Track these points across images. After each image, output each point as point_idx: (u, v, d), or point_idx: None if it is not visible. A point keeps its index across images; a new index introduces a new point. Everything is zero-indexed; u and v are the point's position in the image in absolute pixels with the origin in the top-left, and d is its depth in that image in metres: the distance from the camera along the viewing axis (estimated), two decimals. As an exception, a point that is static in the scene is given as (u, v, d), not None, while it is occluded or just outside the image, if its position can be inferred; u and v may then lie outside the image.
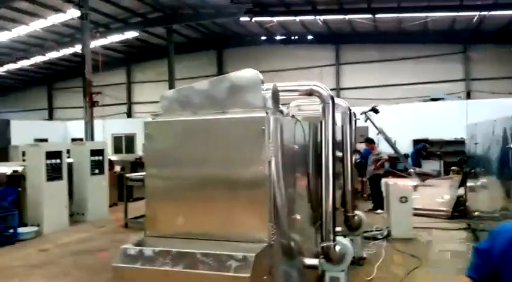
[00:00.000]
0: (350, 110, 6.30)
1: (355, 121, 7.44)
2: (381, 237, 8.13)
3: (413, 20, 19.84)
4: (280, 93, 4.57)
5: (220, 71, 25.56)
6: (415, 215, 9.39)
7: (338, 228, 6.54)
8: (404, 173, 17.11)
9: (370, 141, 11.88)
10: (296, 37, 24.73)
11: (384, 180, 10.94)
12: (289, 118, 4.34)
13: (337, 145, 6.61)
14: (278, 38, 24.97)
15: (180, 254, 3.32)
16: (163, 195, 3.82)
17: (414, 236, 8.11)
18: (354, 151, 15.16)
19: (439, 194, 13.09)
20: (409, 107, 20.99)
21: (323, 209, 4.47)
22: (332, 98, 4.56)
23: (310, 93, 4.56)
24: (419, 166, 18.93)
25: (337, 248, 4.55)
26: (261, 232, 3.54)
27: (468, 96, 22.33)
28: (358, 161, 12.56)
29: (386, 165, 19.57)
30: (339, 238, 4.70)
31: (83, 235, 9.27)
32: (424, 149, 19.53)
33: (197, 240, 3.64)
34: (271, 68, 22.51)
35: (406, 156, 18.00)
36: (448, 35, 21.92)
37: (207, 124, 3.76)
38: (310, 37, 24.66)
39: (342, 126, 6.28)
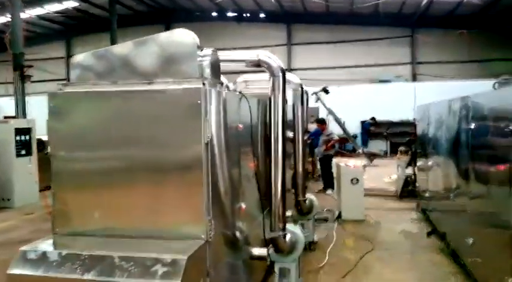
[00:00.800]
0: (302, 88, 5.73)
1: (307, 99, 6.93)
2: (332, 218, 7.77)
3: (364, 2, 19.60)
4: (223, 64, 3.93)
5: (169, 48, 24.24)
6: (364, 195, 9.16)
7: (288, 213, 6.11)
8: (352, 153, 17.16)
9: (321, 122, 11.51)
10: (248, 15, 23.92)
11: (334, 161, 10.63)
12: (233, 93, 3.69)
13: (288, 124, 6.10)
14: (230, 14, 24.03)
15: (93, 258, 2.62)
16: (75, 183, 3.07)
17: (365, 218, 7.81)
18: (305, 131, 15.10)
19: (387, 174, 13.08)
20: (358, 89, 20.97)
21: (272, 196, 3.91)
22: (283, 71, 3.96)
23: (257, 64, 3.92)
24: (366, 146, 19.18)
25: (287, 237, 4.03)
26: (196, 227, 2.90)
27: (414, 78, 22.66)
28: (308, 141, 12.20)
29: (337, 145, 19.62)
30: (289, 226, 4.18)
31: (4, 224, 8.23)
32: (373, 122, 19.76)
33: (118, 238, 2.95)
34: (222, 45, 21.61)
35: (354, 136, 17.98)
36: (397, 18, 21.95)
37: (130, 97, 3.02)
38: (262, 15, 23.95)
39: (293, 104, 5.72)
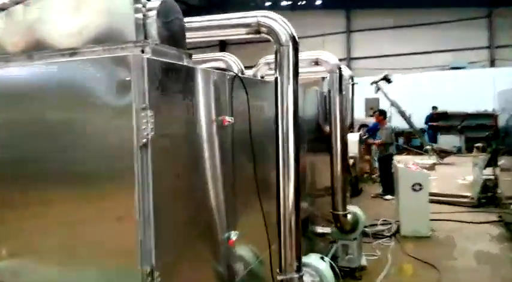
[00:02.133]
0: (340, 69, 4.39)
1: (352, 86, 5.59)
2: (387, 234, 6.31)
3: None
4: (212, 33, 2.79)
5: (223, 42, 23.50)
6: (431, 201, 7.53)
7: (326, 229, 4.84)
8: (420, 150, 15.19)
9: (381, 113, 9.79)
10: (303, 2, 22.47)
11: (395, 160, 9.06)
12: (217, 72, 2.50)
13: (321, 116, 4.81)
14: (284, 3, 22.73)
15: None
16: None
17: (430, 234, 6.25)
18: (361, 125, 13.44)
19: (461, 174, 11.16)
20: (427, 76, 18.71)
21: (279, 223, 2.69)
22: (294, 40, 2.69)
23: (257, 30, 2.70)
24: (435, 142, 16.92)
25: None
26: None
27: (492, 64, 19.90)
28: (364, 137, 10.66)
29: (400, 141, 17.63)
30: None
31: None
32: (434, 113, 17.40)
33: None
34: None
35: (422, 131, 15.97)
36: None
37: (39, 76, 1.96)
38: (318, 2, 22.39)
39: (329, 91, 4.42)
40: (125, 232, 1.80)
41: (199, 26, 2.74)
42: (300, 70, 4.96)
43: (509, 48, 19.59)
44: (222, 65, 4.20)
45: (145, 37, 1.98)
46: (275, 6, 22.60)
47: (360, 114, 15.70)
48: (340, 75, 4.39)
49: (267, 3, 22.64)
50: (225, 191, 2.47)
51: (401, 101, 14.17)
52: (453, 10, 19.91)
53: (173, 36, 2.13)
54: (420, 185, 6.18)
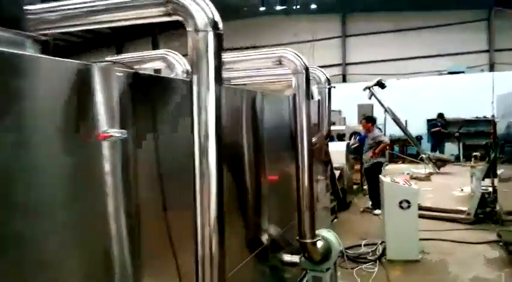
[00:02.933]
0: (307, 70, 3.68)
1: (329, 90, 4.88)
2: (371, 257, 5.56)
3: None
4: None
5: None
6: (423, 217, 6.80)
7: (294, 257, 4.12)
8: (416, 159, 14.45)
9: (368, 120, 9.05)
10: (298, 7, 21.82)
11: (382, 173, 8.31)
12: (93, 66, 1.78)
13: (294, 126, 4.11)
14: (278, 8, 22.10)
15: None
16: None
17: (420, 257, 5.51)
18: (353, 133, 12.69)
19: (458, 185, 10.43)
20: (423, 81, 18.01)
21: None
22: (216, 24, 2.00)
23: (167, 11, 2.00)
24: (442, 149, 15.99)
25: None
26: None
27: (491, 68, 19.18)
28: (355, 146, 9.93)
29: (396, 149, 16.88)
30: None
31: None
32: (440, 119, 16.40)
33: None
34: (270, 41, 19.90)
35: (418, 138, 15.25)
36: (470, -1, 18.68)
37: None
38: (313, 6, 21.74)
39: (294, 95, 3.71)
40: None
41: (89, 10, 2.04)
42: (265, 72, 4.17)
43: (509, 52, 18.89)
44: (160, 65, 3.51)
45: None
46: (270, 11, 22.05)
47: (352, 121, 15.05)
48: (308, 77, 3.68)
49: (262, 8, 22.05)
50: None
51: (396, 107, 13.48)
52: (451, 13, 19.24)
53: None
54: (408, 202, 5.44)
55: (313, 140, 4.67)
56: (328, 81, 4.89)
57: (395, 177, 6.09)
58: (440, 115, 16.42)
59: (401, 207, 5.46)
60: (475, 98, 15.98)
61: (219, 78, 2.01)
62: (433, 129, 16.28)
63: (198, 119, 1.99)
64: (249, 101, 3.52)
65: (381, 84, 12.47)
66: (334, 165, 7.83)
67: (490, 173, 7.54)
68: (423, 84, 17.82)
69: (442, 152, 15.57)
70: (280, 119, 4.13)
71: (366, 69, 20.21)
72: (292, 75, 3.70)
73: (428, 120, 17.46)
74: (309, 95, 3.72)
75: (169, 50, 3.56)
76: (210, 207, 1.99)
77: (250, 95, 3.55)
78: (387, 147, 8.55)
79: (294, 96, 3.70)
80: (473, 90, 16.30)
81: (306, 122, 3.66)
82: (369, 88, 12.54)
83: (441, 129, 16.13)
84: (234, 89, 3.53)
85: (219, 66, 2.01)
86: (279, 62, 3.72)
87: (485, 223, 7.10)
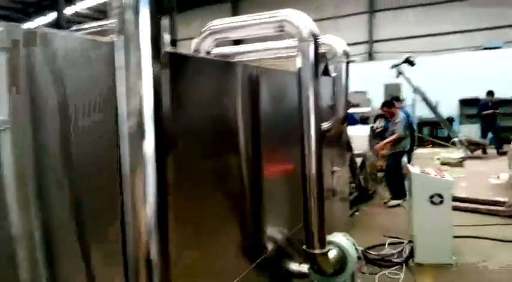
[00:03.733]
0: (316, 38, 2.89)
1: (347, 64, 4.07)
2: (397, 260, 4.80)
3: None
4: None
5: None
6: (456, 209, 5.94)
7: (302, 267, 3.43)
8: (446, 143, 13.36)
9: (386, 105, 7.84)
10: (321, -19, 20.57)
11: (405, 161, 7.40)
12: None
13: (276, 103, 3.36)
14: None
15: None
16: None
17: (454, 260, 4.71)
18: (378, 116, 11.71)
19: (494, 171, 9.41)
20: (455, 58, 16.62)
21: None
22: None
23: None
24: (497, 133, 13.15)
25: None
26: None
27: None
28: (380, 130, 9.04)
29: (426, 131, 15.74)
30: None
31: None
32: (491, 96, 13.48)
33: None
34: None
35: (449, 120, 14.10)
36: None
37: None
38: (337, -20, 20.46)
39: (299, 70, 2.94)
40: None
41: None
42: (273, 45, 3.55)
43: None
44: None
45: None
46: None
47: (379, 103, 14.02)
48: (317, 46, 2.90)
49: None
50: None
51: (426, 87, 12.42)
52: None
53: None
54: (441, 196, 4.61)
55: (326, 125, 3.92)
56: (347, 54, 4.08)
57: (425, 167, 5.23)
58: (490, 92, 13.44)
59: (433, 203, 4.64)
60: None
61: (157, 49, 1.29)
62: (485, 112, 13.28)
63: (127, 99, 1.29)
64: (242, 78, 2.79)
65: (409, 62, 11.48)
66: (356, 151, 7.02)
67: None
68: (456, 61, 16.45)
69: (498, 137, 12.94)
70: (284, 101, 3.38)
71: (394, 47, 18.93)
72: (297, 42, 2.93)
73: (461, 101, 16.11)
74: (317, 70, 2.95)
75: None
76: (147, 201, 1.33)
77: (241, 70, 2.81)
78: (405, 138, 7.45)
79: (300, 71, 2.93)
80: (510, 67, 14.93)
81: (313, 103, 2.89)
82: (396, 66, 11.57)
83: (494, 110, 13.21)
84: (219, 62, 2.80)
85: (157, 31, 1.30)
86: (281, 29, 2.96)
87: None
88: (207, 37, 3.12)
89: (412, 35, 19.00)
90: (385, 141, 7.64)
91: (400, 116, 7.55)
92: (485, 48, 16.83)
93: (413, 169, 4.96)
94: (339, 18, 20.23)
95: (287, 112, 3.32)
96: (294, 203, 3.35)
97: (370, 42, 20.43)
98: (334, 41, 4.14)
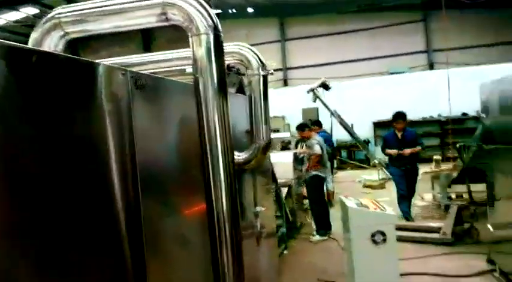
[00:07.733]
0: (217, 30, 1.88)
1: (264, 77, 3.13)
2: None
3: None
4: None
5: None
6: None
7: None
8: (365, 165, 13.18)
9: (300, 128, 7.21)
10: (234, 10, 20.23)
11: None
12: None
13: None
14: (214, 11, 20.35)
15: None
16: None
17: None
18: (298, 141, 10.98)
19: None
20: (365, 83, 16.89)
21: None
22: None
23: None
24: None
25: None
26: None
27: (431, 68, 18.61)
28: (302, 156, 8.28)
29: (344, 154, 15.59)
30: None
31: None
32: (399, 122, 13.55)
33: None
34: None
35: (366, 142, 14.03)
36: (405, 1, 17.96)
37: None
38: (250, 10, 20.25)
39: (195, 78, 1.88)
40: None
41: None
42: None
43: (445, 52, 18.36)
44: None
45: None
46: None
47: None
48: (219, 42, 1.88)
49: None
50: None
51: (341, 110, 12.15)
52: (388, 14, 18.55)
53: None
54: (383, 234, 3.78)
55: (244, 156, 2.90)
56: (263, 65, 3.15)
57: (360, 198, 4.42)
58: (400, 115, 13.87)
59: (375, 242, 3.79)
60: (423, 97, 15.16)
61: None
62: (388, 152, 13.77)
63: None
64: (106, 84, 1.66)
65: (325, 86, 11.18)
66: (280, 180, 6.12)
67: (465, 179, 6.16)
68: (365, 85, 16.73)
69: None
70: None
71: (306, 73, 18.96)
72: (190, 37, 1.88)
73: (374, 123, 16.26)
74: (224, 81, 1.92)
75: None
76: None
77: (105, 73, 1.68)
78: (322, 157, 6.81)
79: (195, 79, 1.88)
80: (419, 89, 15.48)
81: (218, 127, 1.84)
82: (312, 90, 11.17)
83: (399, 151, 13.81)
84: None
85: None
86: (165, 17, 1.90)
87: (463, 245, 5.63)
88: (50, 31, 1.96)
89: (322, 62, 19.24)
90: (311, 162, 6.78)
91: (316, 137, 6.93)
92: (391, 73, 17.41)
93: (349, 202, 4.09)
94: (253, 46, 19.90)
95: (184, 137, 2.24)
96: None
97: (284, 69, 20.35)
98: (247, 50, 3.19)
